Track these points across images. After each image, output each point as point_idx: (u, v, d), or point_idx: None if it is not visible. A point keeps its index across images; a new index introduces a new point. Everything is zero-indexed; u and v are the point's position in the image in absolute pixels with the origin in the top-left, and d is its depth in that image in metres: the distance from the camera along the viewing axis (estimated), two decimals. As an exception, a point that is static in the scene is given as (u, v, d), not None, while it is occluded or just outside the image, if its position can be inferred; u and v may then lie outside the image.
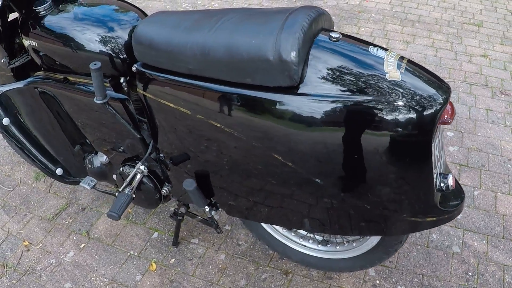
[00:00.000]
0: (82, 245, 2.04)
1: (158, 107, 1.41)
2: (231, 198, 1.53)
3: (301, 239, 1.82)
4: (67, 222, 2.15)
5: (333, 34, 1.18)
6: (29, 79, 1.73)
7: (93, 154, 1.87)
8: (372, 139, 1.12)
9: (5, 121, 1.87)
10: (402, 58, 1.16)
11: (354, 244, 1.70)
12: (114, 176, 1.85)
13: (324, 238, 1.80)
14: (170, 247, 2.01)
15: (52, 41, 1.52)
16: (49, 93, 1.70)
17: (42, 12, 1.56)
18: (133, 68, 1.43)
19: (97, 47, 1.47)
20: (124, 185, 1.69)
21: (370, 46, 1.19)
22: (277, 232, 1.83)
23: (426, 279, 1.80)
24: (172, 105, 1.37)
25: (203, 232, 2.06)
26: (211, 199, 1.65)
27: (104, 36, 1.47)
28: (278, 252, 1.87)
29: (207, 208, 1.66)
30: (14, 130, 1.90)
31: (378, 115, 1.09)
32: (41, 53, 1.60)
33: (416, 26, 3.68)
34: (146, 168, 1.65)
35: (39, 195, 2.30)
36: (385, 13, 3.89)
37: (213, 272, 1.89)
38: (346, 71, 1.14)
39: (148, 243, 2.03)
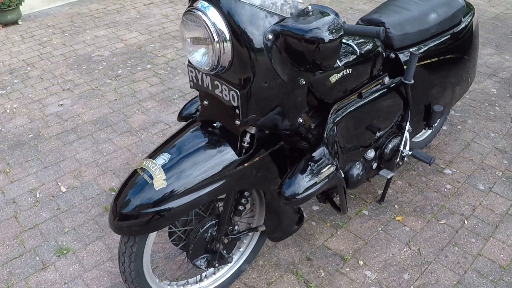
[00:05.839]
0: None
1: (421, 70, 2.15)
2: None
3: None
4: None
5: None
6: (337, 114, 1.82)
7: (358, 161, 2.07)
8: None
9: None
10: None
11: None
12: (371, 153, 2.13)
13: None
14: (381, 205, 2.54)
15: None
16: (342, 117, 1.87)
17: None
18: (392, 55, 2.06)
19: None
20: (405, 145, 2.22)
21: None
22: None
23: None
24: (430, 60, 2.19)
25: (373, 185, 2.67)
26: None
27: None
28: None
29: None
30: None
31: None
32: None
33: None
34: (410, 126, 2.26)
35: None
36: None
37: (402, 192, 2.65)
38: None
39: (371, 215, 2.47)
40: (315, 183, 1.63)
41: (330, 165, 1.69)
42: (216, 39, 1.36)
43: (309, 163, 1.66)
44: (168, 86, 3.80)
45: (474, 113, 3.30)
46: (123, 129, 3.21)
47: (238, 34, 1.35)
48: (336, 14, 1.38)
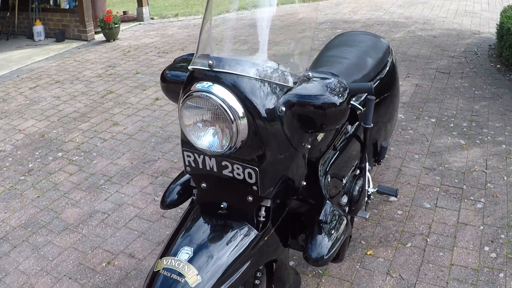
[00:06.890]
0: None
1: None
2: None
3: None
4: None
5: None
6: (323, 169, 1.97)
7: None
8: None
9: None
10: None
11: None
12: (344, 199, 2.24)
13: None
14: (349, 244, 2.69)
15: None
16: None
17: None
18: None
19: None
20: (368, 183, 2.42)
21: None
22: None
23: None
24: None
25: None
26: None
27: None
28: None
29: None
30: None
31: None
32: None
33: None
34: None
35: None
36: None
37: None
38: None
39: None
40: (337, 239, 1.72)
41: (342, 218, 1.79)
42: (232, 118, 1.35)
43: (323, 222, 1.74)
44: (89, 172, 3.62)
45: (392, 140, 3.68)
46: (60, 228, 2.98)
47: (251, 109, 1.37)
48: (334, 75, 1.52)
